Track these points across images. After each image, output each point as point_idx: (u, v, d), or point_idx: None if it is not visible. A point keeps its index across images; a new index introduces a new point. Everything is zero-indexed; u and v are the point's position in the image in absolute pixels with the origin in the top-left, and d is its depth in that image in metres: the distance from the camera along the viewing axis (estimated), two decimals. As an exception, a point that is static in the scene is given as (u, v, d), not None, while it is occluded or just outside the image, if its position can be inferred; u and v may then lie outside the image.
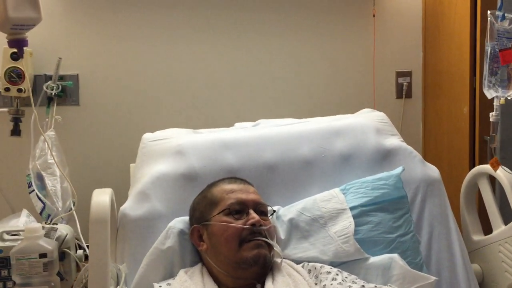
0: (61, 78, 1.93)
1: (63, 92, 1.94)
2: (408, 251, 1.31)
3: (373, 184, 1.38)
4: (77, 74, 1.98)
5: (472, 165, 1.94)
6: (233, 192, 1.25)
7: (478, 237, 1.57)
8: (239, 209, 1.22)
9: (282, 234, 1.32)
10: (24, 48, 1.74)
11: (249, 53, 2.12)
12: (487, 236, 1.54)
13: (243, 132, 1.57)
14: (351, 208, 1.33)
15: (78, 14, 1.97)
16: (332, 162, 1.50)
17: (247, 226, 1.18)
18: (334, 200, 1.35)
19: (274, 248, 1.21)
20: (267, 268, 1.19)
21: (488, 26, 1.30)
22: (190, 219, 1.29)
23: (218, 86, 2.10)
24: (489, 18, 1.29)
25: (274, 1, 2.13)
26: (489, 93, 1.33)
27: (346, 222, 1.29)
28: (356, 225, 1.30)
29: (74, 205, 1.74)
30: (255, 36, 2.12)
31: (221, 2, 2.08)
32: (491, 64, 1.30)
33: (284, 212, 1.37)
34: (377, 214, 1.33)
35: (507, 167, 1.45)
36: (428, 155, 2.29)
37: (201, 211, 1.25)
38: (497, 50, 1.29)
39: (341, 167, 1.49)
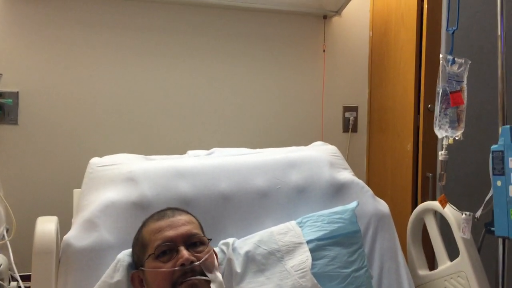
0: (0, 95, 1.82)
1: (1, 110, 1.82)
2: (361, 286, 1.31)
3: (329, 218, 1.38)
4: (17, 92, 1.87)
5: (415, 201, 2.01)
6: (160, 231, 1.14)
7: (423, 272, 1.60)
8: (167, 249, 1.12)
9: (238, 267, 1.27)
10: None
11: (202, 81, 2.11)
12: (432, 272, 1.58)
13: (198, 160, 1.53)
14: (308, 242, 1.31)
15: (21, 31, 1.88)
16: (287, 194, 1.49)
17: (177, 268, 1.09)
18: (291, 234, 1.34)
19: (211, 284, 1.11)
20: None
21: (440, 69, 1.36)
22: (132, 260, 1.21)
23: (170, 112, 2.06)
24: (441, 62, 1.36)
25: (227, 30, 2.14)
26: (440, 133, 1.38)
27: (303, 256, 1.28)
28: (313, 259, 1.28)
29: (7, 232, 1.61)
30: (209, 63, 2.12)
31: (174, 27, 2.07)
32: (442, 105, 1.36)
33: (240, 245, 1.33)
34: (333, 248, 1.32)
35: (452, 203, 1.51)
36: (372, 190, 2.34)
37: (137, 255, 1.18)
38: (448, 92, 1.35)
39: (296, 200, 1.49)
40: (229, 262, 1.28)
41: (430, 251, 1.63)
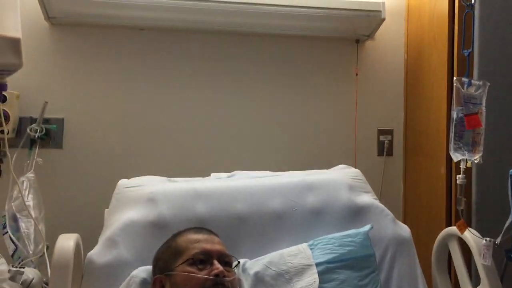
0: (47, 121, 1.98)
1: (47, 135, 1.98)
2: (372, 311, 1.30)
3: (341, 240, 1.38)
4: (63, 118, 2.02)
5: (448, 226, 1.94)
6: (198, 242, 1.24)
7: (448, 299, 1.55)
8: (204, 259, 1.21)
9: (247, 288, 1.31)
10: (11, 91, 1.85)
11: (231, 104, 2.17)
12: (457, 299, 1.52)
13: (216, 182, 1.58)
14: (317, 264, 1.33)
15: (66, 60, 2.03)
16: (303, 216, 1.51)
17: (211, 277, 1.17)
18: (301, 255, 1.35)
19: None
20: None
21: (454, 92, 1.34)
22: (153, 268, 1.28)
23: (199, 135, 2.13)
24: (455, 84, 1.34)
25: (259, 56, 2.20)
26: (455, 156, 1.36)
27: (311, 279, 1.29)
28: (321, 282, 1.29)
29: (47, 249, 1.73)
30: (240, 88, 2.18)
31: (205, 54, 2.15)
32: (458, 128, 1.34)
33: (251, 265, 1.36)
34: (343, 272, 1.33)
35: (482, 229, 1.46)
36: (408, 214, 2.30)
37: (165, 260, 1.25)
38: (461, 115, 1.33)
39: (312, 222, 1.50)
40: (238, 282, 1.31)
41: (459, 278, 1.58)
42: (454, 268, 1.56)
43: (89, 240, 1.51)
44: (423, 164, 2.18)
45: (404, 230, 1.54)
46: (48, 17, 1.96)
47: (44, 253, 1.72)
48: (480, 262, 1.37)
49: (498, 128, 1.47)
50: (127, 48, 2.09)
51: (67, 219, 1.96)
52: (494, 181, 1.79)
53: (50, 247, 1.72)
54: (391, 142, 2.34)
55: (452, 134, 1.34)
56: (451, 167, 1.96)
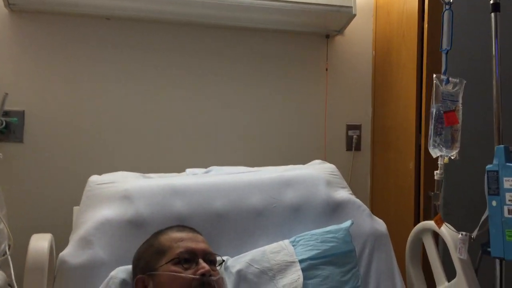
0: (7, 113, 1.87)
1: (7, 128, 1.87)
2: (355, 306, 1.31)
3: (323, 237, 1.38)
4: (23, 111, 1.91)
5: (417, 220, 1.99)
6: (182, 240, 1.20)
7: (422, 292, 1.59)
8: (189, 258, 1.17)
9: (229, 286, 1.28)
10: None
11: (203, 99, 2.13)
12: (431, 292, 1.56)
13: (193, 179, 1.55)
14: (300, 261, 1.32)
15: (27, 50, 1.93)
16: (282, 212, 1.50)
17: (197, 276, 1.13)
18: (284, 252, 1.34)
19: None
20: None
21: (434, 89, 1.37)
22: (134, 268, 1.23)
23: (170, 130, 2.08)
24: (434, 81, 1.36)
25: (228, 50, 2.17)
26: (434, 152, 1.38)
27: (295, 275, 1.28)
28: (305, 278, 1.29)
29: (9, 248, 1.63)
30: (211, 82, 2.14)
31: (175, 47, 2.10)
32: (436, 124, 1.36)
33: (233, 263, 1.34)
34: (325, 268, 1.33)
35: (450, 222, 1.49)
36: (375, 208, 2.34)
37: (147, 260, 1.20)
38: (441, 111, 1.35)
39: (291, 218, 1.49)
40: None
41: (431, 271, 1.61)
42: (427, 261, 1.59)
43: (56, 239, 1.44)
44: (391, 159, 2.21)
45: (381, 225, 1.57)
46: (8, 3, 1.85)
47: (6, 252, 1.62)
48: (456, 256, 1.41)
49: (466, 125, 1.51)
50: (92, 38, 2.00)
51: (30, 217, 1.87)
52: (461, 175, 1.84)
53: (12, 247, 1.63)
54: (359, 137, 2.37)
55: (431, 131, 1.36)
56: (420, 162, 2.00)
